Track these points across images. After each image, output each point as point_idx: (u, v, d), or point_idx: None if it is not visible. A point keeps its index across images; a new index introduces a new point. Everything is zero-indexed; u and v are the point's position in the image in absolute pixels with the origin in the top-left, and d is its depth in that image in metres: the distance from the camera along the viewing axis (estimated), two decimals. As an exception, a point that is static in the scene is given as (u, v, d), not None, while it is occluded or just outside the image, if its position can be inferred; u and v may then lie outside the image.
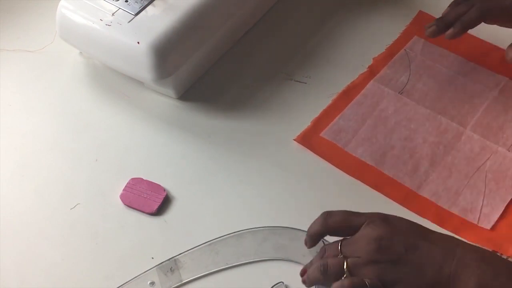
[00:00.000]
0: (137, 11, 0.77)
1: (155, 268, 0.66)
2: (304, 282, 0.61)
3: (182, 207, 0.72)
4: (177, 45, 0.76)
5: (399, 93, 0.82)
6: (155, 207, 0.71)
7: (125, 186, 0.73)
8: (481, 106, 0.80)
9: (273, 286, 0.65)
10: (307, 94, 0.82)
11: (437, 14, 0.81)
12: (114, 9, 0.77)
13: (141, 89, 0.82)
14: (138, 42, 0.75)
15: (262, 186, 0.74)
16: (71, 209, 0.72)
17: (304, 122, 0.79)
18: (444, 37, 0.78)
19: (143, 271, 0.66)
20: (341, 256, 0.58)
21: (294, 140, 0.77)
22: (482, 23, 0.78)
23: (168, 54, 0.76)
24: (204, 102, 0.82)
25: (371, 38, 0.88)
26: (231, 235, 0.68)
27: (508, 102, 0.80)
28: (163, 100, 0.82)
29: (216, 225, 0.70)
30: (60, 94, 0.83)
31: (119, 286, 0.65)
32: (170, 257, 0.67)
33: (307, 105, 0.81)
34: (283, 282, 0.66)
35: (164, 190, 0.72)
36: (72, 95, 0.83)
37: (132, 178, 0.73)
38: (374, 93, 0.82)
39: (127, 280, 0.65)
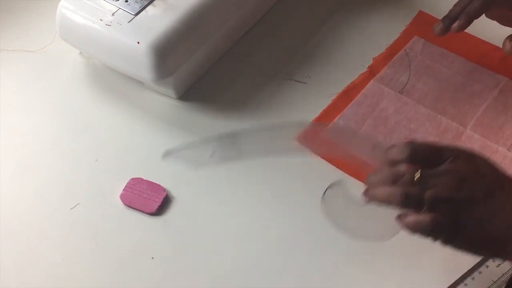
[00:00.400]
0: (137, 11, 0.77)
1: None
2: (368, 195, 0.58)
3: (182, 207, 0.72)
4: (177, 45, 0.76)
5: (399, 93, 0.82)
6: (155, 207, 0.71)
7: (125, 186, 0.73)
8: (481, 106, 0.80)
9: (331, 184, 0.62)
10: (307, 94, 0.82)
11: (437, 14, 0.81)
12: (114, 9, 0.77)
13: (141, 89, 0.82)
14: (138, 42, 0.75)
15: (262, 186, 0.74)
16: (71, 209, 0.72)
17: (304, 123, 0.79)
18: (451, 31, 0.77)
19: (143, 269, 0.66)
20: (421, 186, 0.56)
21: (294, 140, 0.77)
22: (484, 21, 0.77)
23: (168, 54, 0.76)
24: (204, 102, 0.82)
25: (371, 38, 0.88)
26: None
27: (508, 102, 0.80)
28: (163, 100, 0.82)
29: (216, 225, 0.70)
30: (60, 94, 0.83)
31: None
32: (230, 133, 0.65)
33: (307, 105, 0.81)
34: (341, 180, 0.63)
35: (164, 190, 0.72)
36: (72, 95, 0.83)
37: (132, 178, 0.73)
38: (374, 93, 0.82)
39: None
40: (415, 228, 0.57)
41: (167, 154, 0.64)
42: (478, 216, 0.56)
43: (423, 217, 0.56)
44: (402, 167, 0.58)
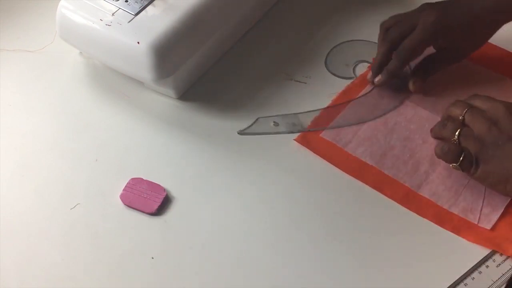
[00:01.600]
0: (137, 11, 0.77)
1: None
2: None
3: (182, 207, 0.72)
4: (177, 45, 0.76)
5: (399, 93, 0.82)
6: (155, 207, 0.71)
7: (125, 186, 0.73)
8: (481, 106, 0.79)
9: None
10: (307, 94, 0.82)
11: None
12: (114, 9, 0.77)
13: (141, 89, 0.82)
14: (138, 42, 0.75)
15: (262, 186, 0.74)
16: (71, 209, 0.72)
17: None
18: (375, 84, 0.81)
19: (143, 269, 0.66)
20: (461, 119, 0.71)
21: (294, 140, 0.77)
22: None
23: (168, 54, 0.76)
24: (204, 102, 0.82)
25: (371, 38, 0.87)
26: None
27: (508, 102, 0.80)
28: (163, 100, 0.82)
29: (216, 225, 0.70)
30: (60, 94, 0.83)
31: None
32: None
33: (307, 105, 0.81)
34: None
35: (164, 190, 0.72)
36: (72, 95, 0.83)
37: (132, 178, 0.73)
38: (374, 93, 0.82)
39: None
40: (444, 153, 0.70)
41: (241, 133, 0.77)
42: (501, 155, 0.68)
43: (446, 145, 0.70)
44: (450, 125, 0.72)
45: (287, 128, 0.77)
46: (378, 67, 0.80)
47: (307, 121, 0.78)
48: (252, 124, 0.78)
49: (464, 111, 0.71)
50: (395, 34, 0.78)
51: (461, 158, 0.69)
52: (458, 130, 0.70)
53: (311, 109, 0.80)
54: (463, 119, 0.71)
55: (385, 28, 0.80)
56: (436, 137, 0.74)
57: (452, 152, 0.70)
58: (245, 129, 0.78)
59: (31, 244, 0.69)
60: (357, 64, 0.85)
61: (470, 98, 0.73)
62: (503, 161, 0.68)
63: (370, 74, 0.82)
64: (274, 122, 0.77)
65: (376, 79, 0.80)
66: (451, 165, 0.71)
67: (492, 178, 0.69)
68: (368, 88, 0.82)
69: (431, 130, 0.75)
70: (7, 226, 0.70)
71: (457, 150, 0.70)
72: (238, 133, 0.78)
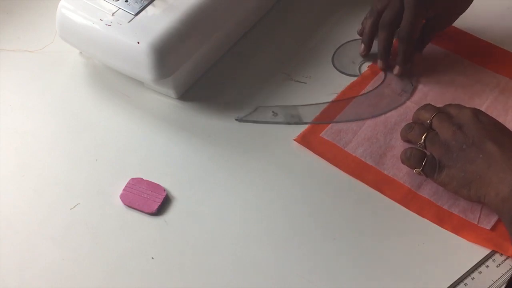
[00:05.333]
0: (137, 11, 0.77)
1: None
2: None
3: (182, 207, 0.72)
4: (177, 45, 0.76)
5: (399, 93, 0.82)
6: (155, 207, 0.71)
7: (125, 186, 0.73)
8: (481, 106, 0.79)
9: None
10: (307, 94, 0.82)
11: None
12: (114, 9, 0.77)
13: (141, 89, 0.82)
14: (138, 42, 0.75)
15: (262, 186, 0.74)
16: (71, 209, 0.72)
17: (304, 122, 0.79)
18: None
19: (143, 269, 0.66)
20: (429, 123, 0.72)
21: (294, 140, 0.77)
22: (484, 20, 0.78)
23: (168, 54, 0.76)
24: (204, 102, 0.82)
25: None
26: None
27: (508, 102, 0.80)
28: (163, 100, 0.82)
29: (216, 225, 0.70)
30: (60, 94, 0.83)
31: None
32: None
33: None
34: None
35: (164, 190, 0.72)
36: (72, 95, 0.83)
37: (132, 178, 0.73)
38: (374, 93, 0.82)
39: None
40: (407, 158, 0.72)
41: (239, 119, 0.78)
42: (460, 159, 0.68)
43: (408, 150, 0.72)
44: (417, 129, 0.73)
45: (285, 119, 0.78)
46: (384, 53, 0.82)
47: (305, 114, 0.79)
48: (251, 112, 0.79)
49: (433, 115, 0.72)
50: (391, 15, 0.79)
51: (423, 163, 0.70)
52: (425, 134, 0.71)
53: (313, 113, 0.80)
54: (431, 123, 0.72)
55: (378, 12, 0.81)
56: (404, 140, 0.76)
57: (415, 157, 0.71)
58: (244, 116, 0.79)
59: (31, 244, 0.69)
60: (363, 62, 0.85)
61: (444, 106, 0.75)
62: (466, 165, 0.68)
63: (380, 62, 0.83)
64: (273, 112, 0.78)
65: (395, 71, 0.82)
66: (414, 171, 0.72)
67: (456, 182, 0.69)
68: (369, 87, 0.82)
69: (400, 133, 0.76)
70: (7, 226, 0.70)
71: (419, 154, 0.71)
72: (236, 120, 0.79)
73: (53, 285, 0.66)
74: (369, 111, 0.80)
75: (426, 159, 0.70)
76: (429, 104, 0.76)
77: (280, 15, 0.91)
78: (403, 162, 0.73)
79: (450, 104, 0.75)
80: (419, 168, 0.71)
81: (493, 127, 0.70)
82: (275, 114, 0.78)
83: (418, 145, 0.72)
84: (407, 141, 0.75)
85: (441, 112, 0.73)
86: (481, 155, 0.67)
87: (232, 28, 0.85)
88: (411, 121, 0.76)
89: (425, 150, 0.72)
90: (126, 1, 0.78)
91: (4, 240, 0.69)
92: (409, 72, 0.82)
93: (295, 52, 0.87)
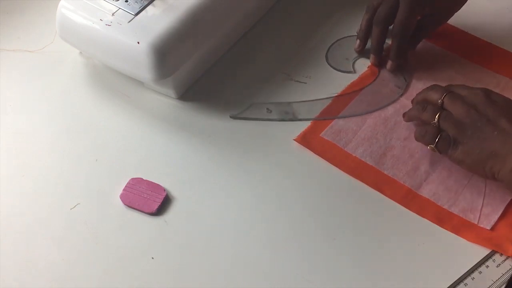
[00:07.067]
0: (137, 11, 0.77)
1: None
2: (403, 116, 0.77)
3: (182, 207, 0.72)
4: (177, 45, 0.76)
5: (399, 93, 0.82)
6: (155, 207, 0.71)
7: (125, 186, 0.73)
8: (481, 106, 0.79)
9: None
10: (307, 94, 0.82)
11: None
12: (114, 9, 0.77)
13: (141, 89, 0.82)
14: (138, 42, 0.75)
15: (262, 186, 0.74)
16: (71, 209, 0.72)
17: (304, 122, 0.79)
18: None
19: (143, 269, 0.66)
20: (440, 102, 0.72)
21: (294, 140, 0.77)
22: (484, 20, 0.78)
23: (168, 54, 0.76)
24: (204, 102, 0.82)
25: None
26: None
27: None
28: (163, 100, 0.82)
29: (216, 225, 0.70)
30: (60, 94, 0.83)
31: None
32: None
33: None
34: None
35: (164, 190, 0.72)
36: (72, 95, 0.83)
37: (132, 178, 0.73)
38: (374, 93, 0.82)
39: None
40: (421, 136, 0.72)
41: (233, 116, 0.78)
42: (475, 136, 0.69)
43: (424, 128, 0.72)
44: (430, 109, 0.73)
45: (280, 116, 0.78)
46: (377, 48, 0.82)
47: (300, 111, 0.79)
48: (245, 109, 0.79)
49: (443, 95, 0.73)
50: (385, 11, 0.80)
51: (437, 140, 0.71)
52: (438, 114, 0.72)
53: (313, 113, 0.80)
54: (442, 103, 0.72)
55: (374, 9, 0.81)
56: (410, 120, 0.77)
57: (429, 134, 0.72)
58: (238, 113, 0.79)
59: (31, 244, 0.69)
60: (357, 59, 0.85)
61: (450, 86, 0.75)
62: (481, 142, 0.69)
63: (372, 57, 0.83)
64: (267, 109, 0.78)
65: (388, 66, 0.83)
66: (428, 147, 0.72)
67: (471, 159, 0.70)
68: (368, 88, 0.82)
69: (404, 115, 0.77)
70: (7, 226, 0.70)
71: (434, 131, 0.71)
72: (230, 117, 0.79)
73: (53, 285, 0.66)
74: (363, 107, 0.80)
75: (440, 135, 0.71)
76: (436, 84, 0.76)
77: (280, 15, 0.91)
78: (417, 139, 0.73)
79: (455, 85, 0.75)
80: (433, 145, 0.71)
81: (506, 105, 0.71)
82: (269, 111, 0.78)
83: (432, 125, 0.72)
84: (416, 120, 0.76)
85: (452, 92, 0.73)
86: (496, 132, 0.68)
87: (232, 28, 0.85)
88: (415, 102, 0.77)
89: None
90: (126, 1, 0.78)
91: (4, 240, 0.69)
92: (403, 68, 0.83)
93: (295, 52, 0.87)
